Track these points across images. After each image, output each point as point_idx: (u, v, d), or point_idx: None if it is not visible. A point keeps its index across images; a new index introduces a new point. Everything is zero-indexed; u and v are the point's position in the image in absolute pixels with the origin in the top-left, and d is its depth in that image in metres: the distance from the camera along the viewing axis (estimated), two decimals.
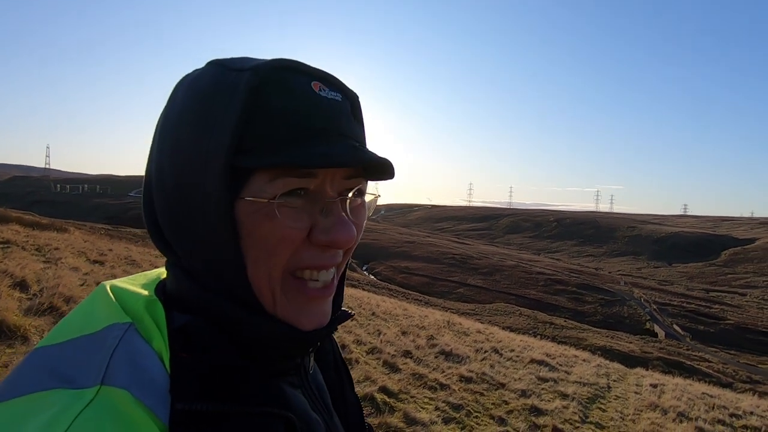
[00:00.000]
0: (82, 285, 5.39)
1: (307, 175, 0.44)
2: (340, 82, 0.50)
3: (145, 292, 0.47)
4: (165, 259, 0.51)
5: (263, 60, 0.46)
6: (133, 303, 0.44)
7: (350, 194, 0.48)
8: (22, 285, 4.63)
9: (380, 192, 0.54)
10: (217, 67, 0.47)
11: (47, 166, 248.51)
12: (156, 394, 0.38)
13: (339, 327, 0.62)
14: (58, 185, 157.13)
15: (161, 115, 0.49)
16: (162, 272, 0.53)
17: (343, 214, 0.47)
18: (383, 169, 0.48)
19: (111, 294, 0.45)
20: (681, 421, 6.04)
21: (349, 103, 0.50)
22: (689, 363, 26.84)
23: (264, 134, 0.43)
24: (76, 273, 6.25)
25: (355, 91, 0.52)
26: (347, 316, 0.56)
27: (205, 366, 0.41)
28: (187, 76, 0.49)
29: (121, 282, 0.49)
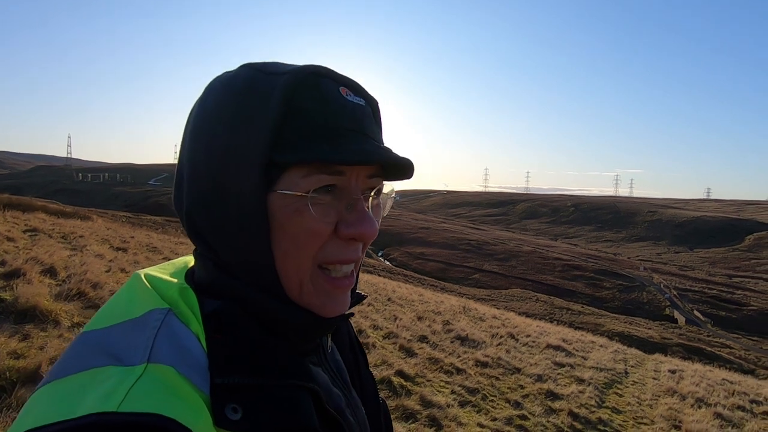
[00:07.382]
0: (107, 271, 5.57)
1: (337, 172, 0.48)
2: (363, 88, 0.55)
3: (176, 280, 0.50)
4: (183, 246, 0.53)
5: (298, 65, 0.51)
6: (168, 290, 0.48)
7: (372, 193, 0.53)
8: (51, 271, 4.81)
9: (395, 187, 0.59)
10: (252, 70, 0.51)
11: (69, 156, 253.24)
12: (199, 370, 0.42)
13: (355, 310, 0.66)
14: (80, 174, 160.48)
15: (195, 110, 0.52)
16: (188, 260, 0.57)
17: (367, 209, 0.51)
18: (404, 170, 0.53)
19: (146, 282, 0.50)
20: (699, 407, 6.01)
21: (371, 108, 0.55)
22: (710, 349, 26.47)
23: (299, 132, 0.47)
24: (101, 260, 6.44)
25: (375, 97, 0.57)
26: (361, 298, 0.63)
27: (238, 345, 0.45)
28: (221, 76, 0.52)
29: (153, 271, 0.53)
